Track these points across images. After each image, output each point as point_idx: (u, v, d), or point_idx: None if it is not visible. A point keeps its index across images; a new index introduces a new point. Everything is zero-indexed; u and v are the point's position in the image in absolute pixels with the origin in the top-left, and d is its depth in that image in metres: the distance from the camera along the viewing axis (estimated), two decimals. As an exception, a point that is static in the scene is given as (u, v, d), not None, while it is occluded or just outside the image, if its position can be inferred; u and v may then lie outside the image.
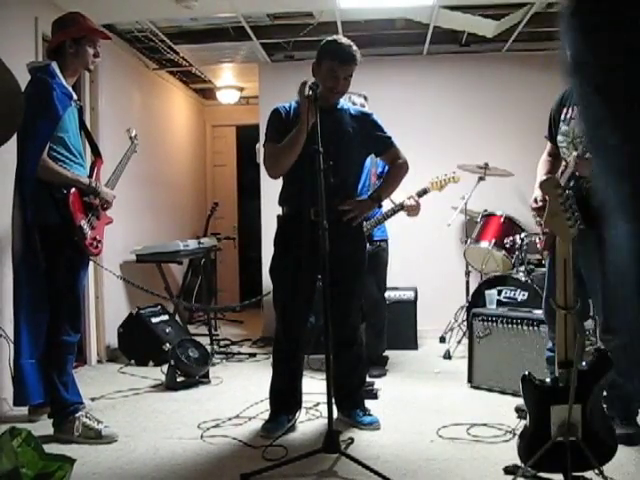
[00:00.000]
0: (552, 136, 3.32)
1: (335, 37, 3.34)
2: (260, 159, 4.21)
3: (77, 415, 3.23)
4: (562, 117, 3.22)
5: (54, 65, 3.19)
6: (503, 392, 3.94)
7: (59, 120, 3.13)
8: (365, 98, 4.47)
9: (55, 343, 3.22)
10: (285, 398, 3.45)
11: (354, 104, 3.95)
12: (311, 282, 3.31)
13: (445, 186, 4.43)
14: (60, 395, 3.24)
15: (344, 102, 3.44)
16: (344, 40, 3.28)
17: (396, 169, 3.50)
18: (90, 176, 3.33)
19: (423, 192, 4.36)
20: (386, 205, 4.33)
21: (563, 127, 3.20)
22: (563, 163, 3.20)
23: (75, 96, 3.24)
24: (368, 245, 4.18)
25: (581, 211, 3.00)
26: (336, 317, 3.32)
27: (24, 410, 3.57)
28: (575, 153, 3.00)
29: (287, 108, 3.37)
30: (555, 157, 3.34)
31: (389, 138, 3.45)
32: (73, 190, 3.17)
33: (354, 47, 3.24)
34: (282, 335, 3.44)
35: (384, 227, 4.56)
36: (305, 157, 3.00)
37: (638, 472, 2.72)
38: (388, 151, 3.47)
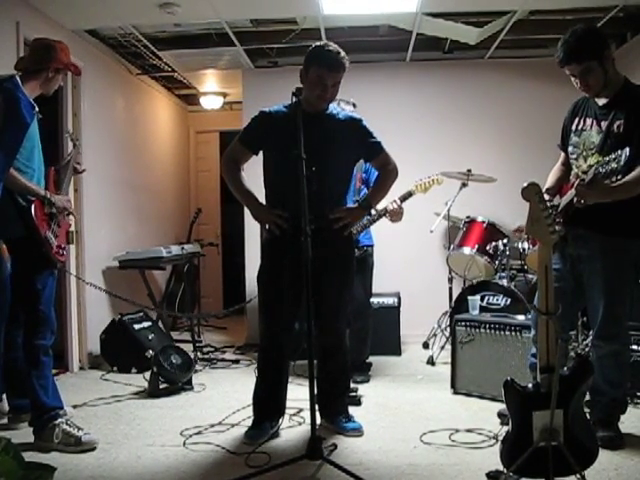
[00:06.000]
0: (565, 146, 3.29)
1: (323, 43, 3.28)
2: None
3: (57, 422, 3.20)
4: (574, 128, 3.19)
5: (17, 78, 3.17)
6: (486, 397, 3.95)
7: (28, 128, 3.10)
8: (354, 105, 4.46)
9: (30, 346, 3.24)
10: (268, 405, 3.44)
11: (343, 110, 3.93)
12: (298, 289, 3.25)
13: (430, 188, 4.41)
14: (39, 398, 3.22)
15: (333, 107, 3.40)
16: (332, 46, 3.22)
17: (386, 174, 3.47)
18: (46, 187, 3.32)
19: (408, 195, 4.33)
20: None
21: (574, 138, 3.18)
22: (571, 177, 3.18)
23: (36, 107, 3.22)
24: (356, 251, 4.17)
25: (585, 215, 3.00)
26: (323, 324, 3.32)
27: (4, 418, 3.54)
28: (577, 180, 2.90)
29: (273, 112, 3.34)
30: (568, 166, 3.29)
31: (379, 143, 3.41)
32: (35, 201, 3.18)
33: (342, 53, 3.19)
34: (267, 342, 3.42)
35: (370, 233, 4.55)
36: (290, 164, 2.94)
37: (619, 476, 2.73)
38: (378, 156, 3.44)
